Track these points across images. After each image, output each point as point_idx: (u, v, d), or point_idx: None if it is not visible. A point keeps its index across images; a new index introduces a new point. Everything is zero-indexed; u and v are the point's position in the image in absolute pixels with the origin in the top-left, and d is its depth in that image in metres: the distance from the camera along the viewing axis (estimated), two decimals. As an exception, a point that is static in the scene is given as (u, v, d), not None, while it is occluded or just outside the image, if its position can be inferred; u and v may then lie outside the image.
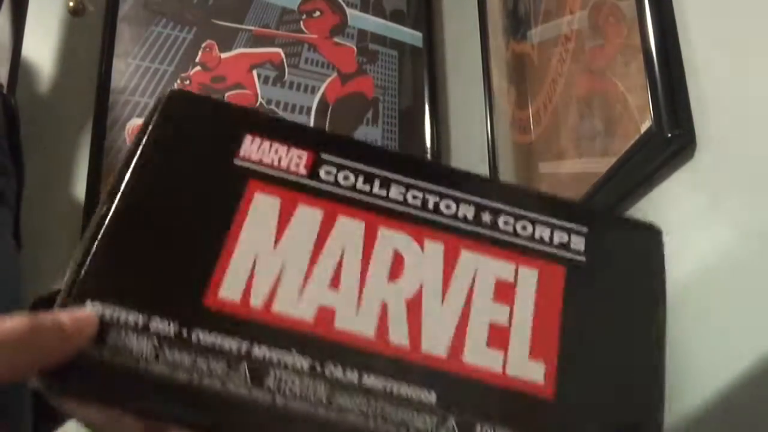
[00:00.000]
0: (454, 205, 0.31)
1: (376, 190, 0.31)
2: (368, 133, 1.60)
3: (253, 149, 0.31)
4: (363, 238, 0.30)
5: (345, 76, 1.63)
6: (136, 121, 1.48)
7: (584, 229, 0.32)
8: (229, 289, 0.28)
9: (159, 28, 1.54)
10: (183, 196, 0.30)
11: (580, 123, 0.91)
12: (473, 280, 0.30)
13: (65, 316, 0.25)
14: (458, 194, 0.31)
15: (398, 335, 0.28)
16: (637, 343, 0.30)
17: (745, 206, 0.56)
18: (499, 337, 0.29)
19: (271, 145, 0.31)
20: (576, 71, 0.92)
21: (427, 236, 0.30)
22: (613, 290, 0.31)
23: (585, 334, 0.30)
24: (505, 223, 0.31)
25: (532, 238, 0.31)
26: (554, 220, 0.32)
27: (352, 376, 0.27)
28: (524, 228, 0.31)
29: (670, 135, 0.63)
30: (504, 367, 0.28)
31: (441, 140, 1.61)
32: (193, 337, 0.27)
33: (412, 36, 1.68)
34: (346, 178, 0.31)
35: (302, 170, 0.31)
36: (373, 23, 1.68)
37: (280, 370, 0.27)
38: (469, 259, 0.30)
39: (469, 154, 1.55)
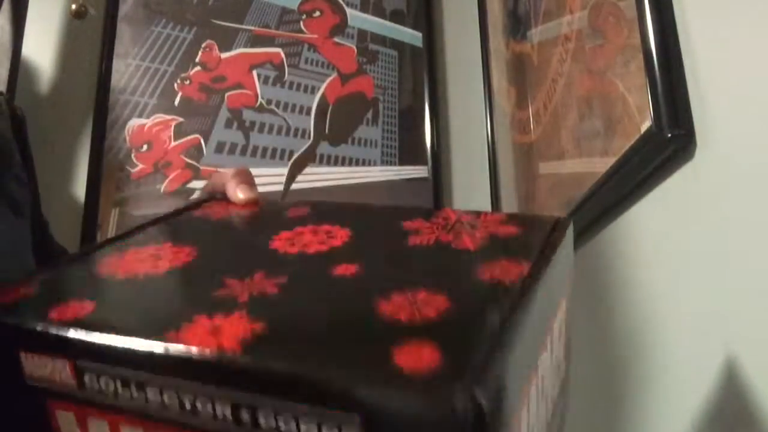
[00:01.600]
0: (209, 405, 0.27)
1: (135, 395, 0.28)
2: (368, 132, 1.61)
3: (33, 367, 0.31)
4: None
5: (345, 76, 1.63)
6: (136, 121, 1.48)
7: (356, 419, 0.24)
8: None
9: (159, 28, 1.54)
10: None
11: (580, 123, 0.91)
12: None
13: None
14: (213, 390, 0.26)
15: None
16: None
17: (745, 206, 0.56)
18: None
19: (40, 359, 0.30)
20: (576, 71, 0.92)
21: None
22: None
23: None
24: (266, 420, 0.25)
25: None
26: (321, 410, 0.24)
27: None
28: (287, 427, 0.25)
29: (670, 135, 0.63)
30: None
31: (441, 140, 1.62)
32: None
33: (412, 36, 1.69)
34: (107, 384, 0.29)
35: (71, 381, 0.30)
36: (373, 23, 1.68)
37: None
38: None
39: (469, 154, 1.55)
